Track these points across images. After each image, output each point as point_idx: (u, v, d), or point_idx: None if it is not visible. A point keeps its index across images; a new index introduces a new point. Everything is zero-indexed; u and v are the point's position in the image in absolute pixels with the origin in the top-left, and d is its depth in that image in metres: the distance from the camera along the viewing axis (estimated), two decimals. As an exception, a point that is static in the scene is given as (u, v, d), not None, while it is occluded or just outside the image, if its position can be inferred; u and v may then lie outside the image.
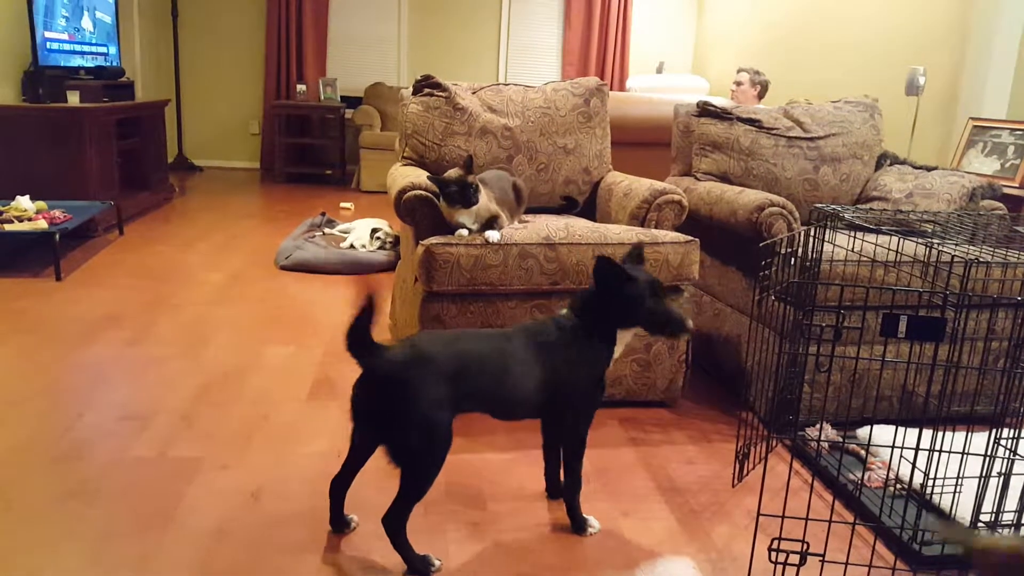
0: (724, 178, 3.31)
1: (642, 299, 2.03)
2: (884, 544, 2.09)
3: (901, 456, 2.22)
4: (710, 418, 2.85)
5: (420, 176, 2.81)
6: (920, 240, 2.11)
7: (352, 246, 4.94)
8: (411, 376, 1.81)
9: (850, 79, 6.25)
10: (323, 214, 5.79)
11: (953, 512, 2.08)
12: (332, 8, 8.59)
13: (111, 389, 2.83)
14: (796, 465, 2.52)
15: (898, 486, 2.26)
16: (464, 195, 2.61)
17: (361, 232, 5.05)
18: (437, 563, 1.91)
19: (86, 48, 5.93)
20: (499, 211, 2.73)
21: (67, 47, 5.57)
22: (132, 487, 2.18)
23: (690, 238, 2.78)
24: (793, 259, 2.50)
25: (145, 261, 4.63)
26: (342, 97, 8.50)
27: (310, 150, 8.66)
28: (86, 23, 5.94)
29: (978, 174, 4.00)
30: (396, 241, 4.98)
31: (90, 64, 5.96)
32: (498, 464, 2.42)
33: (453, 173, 2.63)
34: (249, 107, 8.76)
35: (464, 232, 2.64)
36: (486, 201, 2.67)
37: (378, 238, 4.99)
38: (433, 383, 1.82)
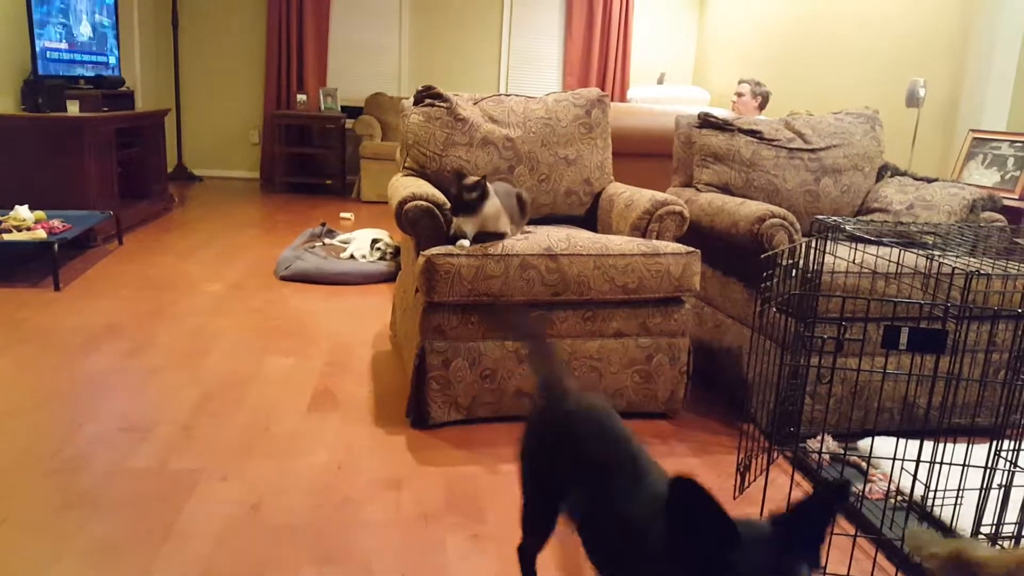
0: (725, 189, 3.31)
1: None
2: (885, 556, 2.08)
3: (902, 468, 2.22)
4: (711, 430, 2.84)
5: (421, 186, 2.82)
6: (921, 252, 2.11)
7: (352, 256, 4.94)
8: (531, 416, 1.68)
9: (851, 90, 6.27)
10: (323, 224, 5.79)
11: (954, 524, 2.08)
12: (333, 18, 8.61)
13: (110, 400, 2.82)
14: (797, 477, 2.51)
15: (899, 498, 2.26)
16: (458, 201, 2.62)
17: (361, 242, 5.05)
18: None
19: (86, 57, 5.94)
20: (507, 230, 2.74)
21: (67, 56, 5.58)
22: (132, 498, 2.18)
23: (691, 249, 2.78)
24: (794, 271, 2.51)
25: (144, 271, 4.63)
26: (342, 107, 8.52)
27: (310, 160, 8.67)
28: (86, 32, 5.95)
29: (978, 186, 4.01)
30: (396, 251, 4.98)
31: (90, 73, 5.96)
32: (499, 476, 2.42)
33: (471, 179, 2.64)
34: (249, 117, 8.77)
35: (465, 243, 2.64)
36: (495, 216, 2.68)
37: (378, 248, 4.99)
38: (538, 432, 1.63)
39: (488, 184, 2.67)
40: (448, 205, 2.75)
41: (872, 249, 2.71)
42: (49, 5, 5.24)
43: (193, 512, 2.12)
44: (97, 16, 6.13)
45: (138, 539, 1.99)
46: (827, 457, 2.54)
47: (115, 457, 2.40)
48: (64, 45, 5.52)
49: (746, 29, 8.04)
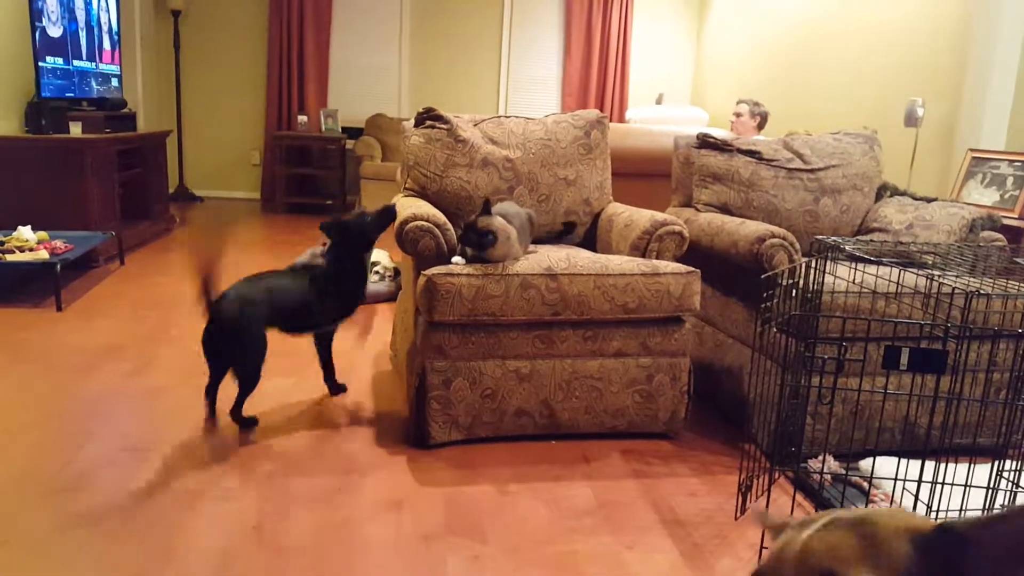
0: (724, 209, 3.32)
1: None
2: None
3: (904, 488, 2.21)
4: (712, 450, 2.84)
5: (422, 207, 2.83)
6: (921, 272, 2.12)
7: (353, 276, 4.94)
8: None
9: (849, 110, 6.30)
10: (324, 244, 5.78)
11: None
12: (333, 40, 8.67)
13: (112, 420, 2.82)
14: (799, 497, 2.50)
15: (902, 519, 2.24)
16: (467, 239, 2.67)
17: (362, 262, 5.05)
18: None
19: (89, 79, 5.97)
20: (518, 255, 2.76)
21: (70, 78, 5.61)
22: (133, 519, 2.17)
23: (691, 269, 2.79)
24: (794, 291, 2.51)
25: (146, 292, 4.64)
26: (343, 128, 8.55)
27: (311, 180, 8.69)
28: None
29: (977, 205, 4.02)
30: (396, 273, 4.99)
31: (92, 95, 6.00)
32: (499, 497, 2.41)
33: (484, 221, 2.68)
34: (250, 138, 8.81)
35: (460, 259, 2.67)
36: (503, 255, 2.69)
37: (377, 272, 4.99)
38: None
39: (498, 229, 2.68)
40: (448, 225, 2.78)
41: (872, 269, 2.72)
42: (53, 27, 5.28)
43: (195, 533, 2.12)
44: (100, 38, 6.17)
45: (140, 560, 1.98)
46: (828, 477, 2.54)
47: (117, 477, 2.40)
48: (67, 67, 5.55)
49: (744, 49, 8.08)
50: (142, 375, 3.27)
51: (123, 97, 6.60)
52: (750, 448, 2.83)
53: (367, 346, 3.81)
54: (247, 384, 2.77)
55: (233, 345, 2.71)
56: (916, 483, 1.98)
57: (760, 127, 6.11)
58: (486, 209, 2.71)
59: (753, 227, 2.86)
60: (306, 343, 3.80)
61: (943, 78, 5.23)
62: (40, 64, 5.13)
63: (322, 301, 2.88)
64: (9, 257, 4.15)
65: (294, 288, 2.86)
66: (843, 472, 2.54)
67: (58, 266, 4.16)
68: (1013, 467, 1.90)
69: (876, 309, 2.64)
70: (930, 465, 1.97)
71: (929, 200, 3.33)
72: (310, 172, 8.57)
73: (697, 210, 3.38)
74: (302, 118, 8.37)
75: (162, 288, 4.73)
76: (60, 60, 5.43)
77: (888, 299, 2.63)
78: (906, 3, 5.65)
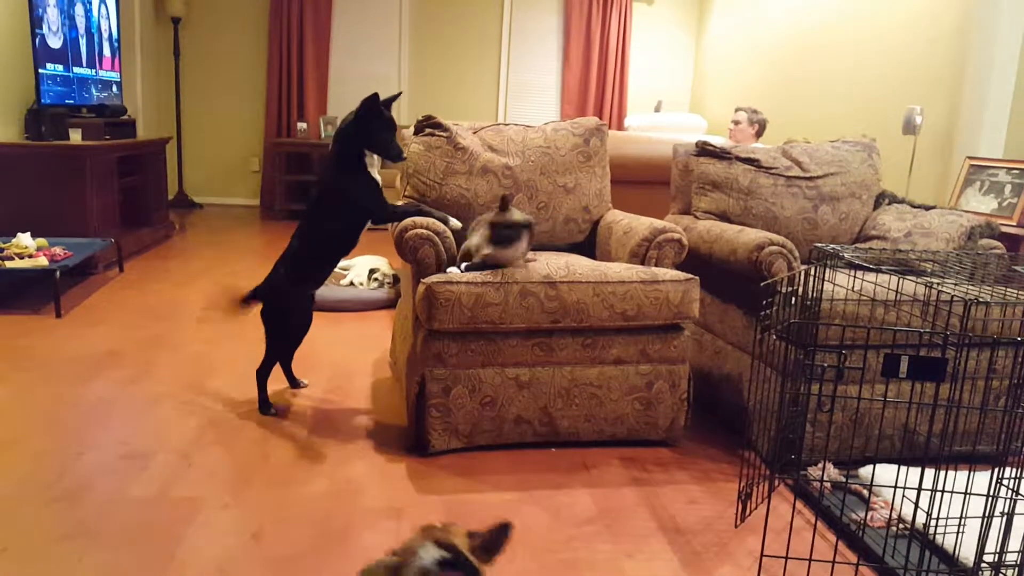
0: (723, 217, 3.33)
1: None
2: (888, 585, 2.07)
3: (904, 496, 2.22)
4: (712, 457, 2.84)
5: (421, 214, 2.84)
6: (920, 280, 2.12)
7: (352, 283, 4.95)
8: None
9: (847, 118, 6.31)
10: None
11: (956, 553, 2.07)
12: (333, 47, 8.68)
13: (111, 428, 2.82)
14: (799, 505, 2.50)
15: (901, 526, 2.25)
16: (501, 236, 2.67)
17: (360, 270, 5.05)
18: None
19: (88, 86, 5.98)
20: (521, 261, 2.78)
21: (69, 86, 5.61)
22: (132, 527, 2.17)
23: (690, 276, 2.79)
24: (794, 298, 2.51)
25: (145, 299, 4.63)
26: (342, 135, 8.55)
27: (310, 187, 8.69)
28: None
29: (976, 213, 4.03)
30: (395, 280, 4.99)
31: (92, 102, 6.00)
32: (501, 505, 2.41)
33: (519, 215, 2.68)
34: (250, 145, 8.81)
35: (455, 270, 2.67)
36: (513, 255, 2.71)
37: (375, 279, 4.99)
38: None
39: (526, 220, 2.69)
40: (448, 232, 2.78)
41: (871, 277, 2.72)
42: (53, 35, 5.29)
43: (194, 541, 2.12)
44: (100, 45, 6.18)
45: (139, 569, 1.98)
46: (828, 485, 2.54)
47: (115, 486, 2.39)
48: (67, 74, 5.56)
49: (743, 57, 8.10)
50: (141, 382, 3.27)
51: (123, 104, 6.61)
52: (750, 456, 2.83)
53: (366, 353, 3.81)
54: (269, 351, 3.08)
55: (264, 318, 3.07)
56: (916, 491, 1.98)
57: (758, 135, 6.12)
58: (504, 205, 2.70)
59: (752, 235, 2.87)
60: (307, 348, 3.80)
61: (941, 86, 5.25)
62: (40, 71, 5.14)
63: (326, 217, 3.17)
64: (9, 264, 4.15)
65: (302, 235, 3.06)
66: (843, 480, 2.54)
67: (57, 273, 4.15)
68: (1013, 474, 1.90)
69: (875, 317, 2.65)
70: (930, 472, 1.97)
71: (927, 208, 3.34)
72: (309, 179, 8.56)
73: (696, 218, 3.38)
74: (302, 125, 8.38)
75: (161, 295, 4.73)
76: (60, 67, 5.43)
77: (887, 307, 2.64)
78: (904, 11, 5.67)
